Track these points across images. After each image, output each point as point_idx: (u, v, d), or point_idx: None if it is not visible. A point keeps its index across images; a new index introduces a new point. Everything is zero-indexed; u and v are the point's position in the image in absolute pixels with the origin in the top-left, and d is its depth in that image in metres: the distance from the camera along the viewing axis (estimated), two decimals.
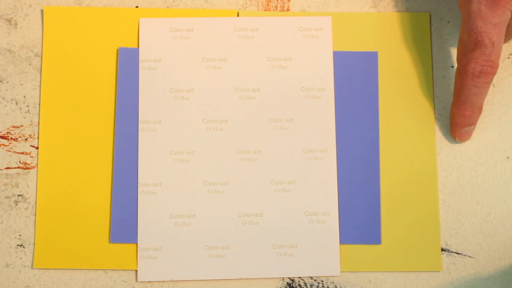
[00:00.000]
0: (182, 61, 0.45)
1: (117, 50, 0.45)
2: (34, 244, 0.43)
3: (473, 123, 0.43)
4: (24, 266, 0.43)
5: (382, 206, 0.44)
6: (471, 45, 0.40)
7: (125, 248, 0.43)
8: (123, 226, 0.43)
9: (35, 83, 0.45)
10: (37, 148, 0.44)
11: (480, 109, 0.43)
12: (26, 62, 0.45)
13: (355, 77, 0.45)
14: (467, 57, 0.40)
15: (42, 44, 0.45)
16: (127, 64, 0.44)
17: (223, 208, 0.43)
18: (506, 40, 0.43)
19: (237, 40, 0.45)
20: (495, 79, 0.45)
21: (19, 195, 0.44)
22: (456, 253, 0.44)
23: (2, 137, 0.44)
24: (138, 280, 0.43)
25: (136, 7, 0.46)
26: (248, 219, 0.43)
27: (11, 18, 0.45)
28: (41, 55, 0.45)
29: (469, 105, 0.42)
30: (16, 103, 0.45)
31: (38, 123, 0.44)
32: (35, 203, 0.44)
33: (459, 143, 0.44)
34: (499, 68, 0.45)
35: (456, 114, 0.43)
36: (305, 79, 0.44)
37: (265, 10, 0.46)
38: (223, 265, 0.43)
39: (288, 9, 0.46)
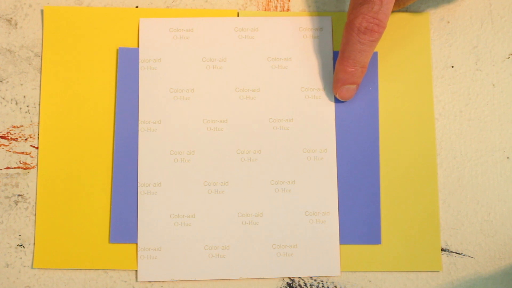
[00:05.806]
0: (182, 61, 0.45)
1: (117, 50, 0.45)
2: (34, 244, 0.43)
3: (355, 81, 0.43)
4: (24, 266, 0.43)
5: (382, 206, 0.44)
6: None
7: (125, 248, 0.43)
8: (123, 226, 0.43)
9: (35, 83, 0.45)
10: (37, 148, 0.44)
11: (363, 68, 0.42)
12: (26, 62, 0.45)
13: None
14: (355, 11, 0.40)
15: (42, 44, 0.45)
16: (127, 64, 0.44)
17: (223, 208, 0.43)
18: (402, 4, 0.44)
19: (237, 40, 0.45)
20: (495, 79, 0.45)
21: (19, 195, 0.44)
22: (456, 253, 0.44)
23: (2, 137, 0.44)
24: (138, 280, 0.43)
25: (136, 7, 0.46)
26: (248, 219, 0.43)
27: (11, 18, 0.45)
28: (41, 55, 0.45)
29: (352, 61, 0.42)
30: (16, 103, 0.45)
31: (38, 123, 0.44)
32: (35, 203, 0.44)
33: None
34: (498, 68, 0.45)
35: (339, 70, 0.43)
36: (305, 79, 0.44)
37: (265, 10, 0.46)
38: (223, 265, 0.43)
39: (288, 9, 0.46)
